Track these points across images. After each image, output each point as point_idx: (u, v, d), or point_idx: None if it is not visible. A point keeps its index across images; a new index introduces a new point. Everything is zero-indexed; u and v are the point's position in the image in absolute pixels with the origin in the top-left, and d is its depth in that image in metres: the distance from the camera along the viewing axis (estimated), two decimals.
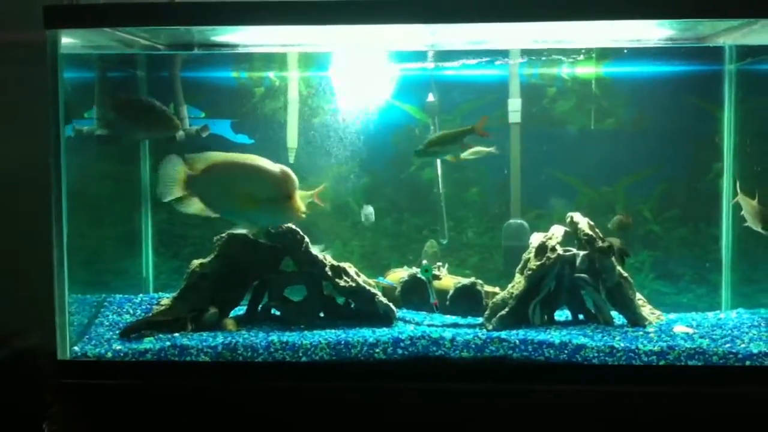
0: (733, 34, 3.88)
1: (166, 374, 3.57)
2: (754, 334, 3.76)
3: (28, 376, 4.04)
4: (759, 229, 3.80)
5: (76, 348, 3.63)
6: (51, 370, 3.60)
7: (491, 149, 4.25)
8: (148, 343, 3.64)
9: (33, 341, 4.13)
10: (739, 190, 4.01)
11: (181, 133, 4.47)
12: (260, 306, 4.10)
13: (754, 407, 3.43)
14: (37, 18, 3.48)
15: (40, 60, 3.52)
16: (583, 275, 3.91)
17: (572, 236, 4.00)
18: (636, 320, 3.89)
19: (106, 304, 4.25)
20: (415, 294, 4.14)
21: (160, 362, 3.58)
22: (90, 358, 3.59)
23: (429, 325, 3.89)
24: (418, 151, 4.08)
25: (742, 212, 3.98)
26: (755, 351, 3.50)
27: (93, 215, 4.15)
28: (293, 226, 3.97)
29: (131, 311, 4.17)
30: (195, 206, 3.83)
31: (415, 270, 4.15)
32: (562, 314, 4.06)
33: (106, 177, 4.43)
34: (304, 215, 3.82)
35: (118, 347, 3.62)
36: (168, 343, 3.62)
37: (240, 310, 4.11)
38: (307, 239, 3.95)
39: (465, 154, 4.20)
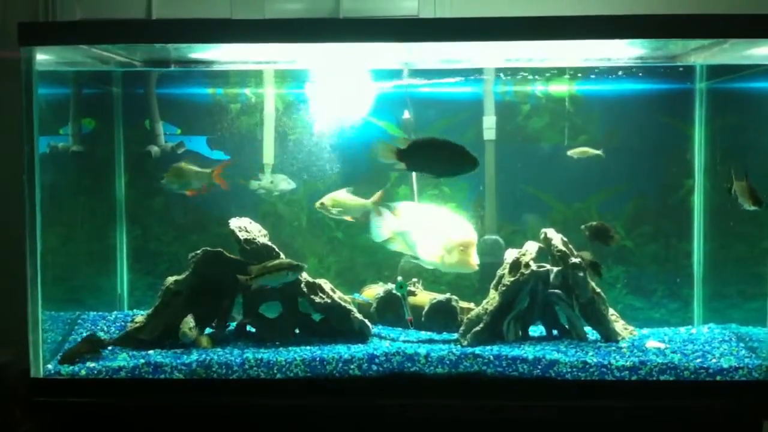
0: (703, 53, 3.95)
1: (140, 392, 3.55)
2: (725, 349, 3.81)
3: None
4: (749, 207, 3.70)
5: (49, 366, 3.60)
6: (23, 388, 3.57)
7: (599, 152, 4.36)
8: (122, 361, 3.63)
9: (4, 358, 4.09)
10: (734, 177, 3.96)
11: (156, 149, 4.48)
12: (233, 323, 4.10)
13: (724, 421, 3.46)
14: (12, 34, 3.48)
15: (14, 76, 3.52)
16: (556, 291, 3.94)
17: (546, 252, 4.03)
18: (609, 335, 3.93)
19: (80, 321, 4.22)
20: (391, 310, 4.16)
21: (135, 380, 3.56)
22: (63, 376, 3.57)
23: (404, 342, 3.90)
24: (160, 180, 4.18)
25: (739, 200, 3.91)
26: (726, 366, 3.55)
27: (67, 231, 4.13)
28: (269, 243, 3.98)
29: (105, 328, 4.15)
30: (399, 244, 4.05)
31: (390, 286, 4.16)
32: (536, 330, 4.09)
33: (81, 193, 4.41)
34: (477, 268, 3.91)
35: (92, 365, 3.60)
36: (142, 361, 3.61)
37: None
38: (282, 256, 3.96)
39: (573, 151, 4.35)
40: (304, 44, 3.64)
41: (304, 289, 3.93)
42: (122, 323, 4.19)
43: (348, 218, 4.11)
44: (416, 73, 4.42)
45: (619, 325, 4.07)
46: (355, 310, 3.98)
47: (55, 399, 3.54)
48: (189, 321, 3.81)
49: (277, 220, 4.58)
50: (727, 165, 4.22)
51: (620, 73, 4.32)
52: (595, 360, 3.57)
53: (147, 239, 4.66)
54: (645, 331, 4.18)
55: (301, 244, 4.57)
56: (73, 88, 4.38)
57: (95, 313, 4.35)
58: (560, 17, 3.51)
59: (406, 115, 4.54)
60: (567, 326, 3.99)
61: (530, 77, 4.47)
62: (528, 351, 3.66)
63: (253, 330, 4.03)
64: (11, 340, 3.77)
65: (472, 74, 4.46)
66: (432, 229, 3.95)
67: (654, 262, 4.57)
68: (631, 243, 4.56)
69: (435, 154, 3.71)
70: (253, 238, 3.97)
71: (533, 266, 3.92)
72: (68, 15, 4.59)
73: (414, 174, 4.50)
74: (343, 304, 3.96)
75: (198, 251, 3.99)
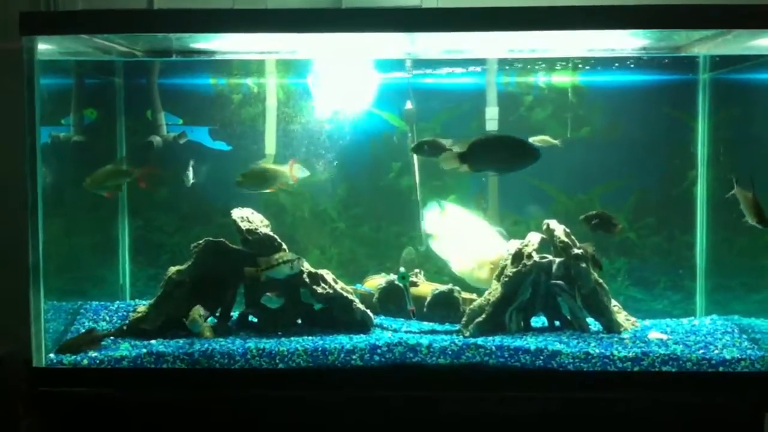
0: (707, 44, 3.93)
1: (142, 381, 3.55)
2: (728, 341, 3.81)
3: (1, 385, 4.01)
4: (752, 222, 3.65)
5: (51, 355, 3.61)
6: (25, 379, 3.57)
7: (557, 142, 4.32)
8: (124, 350, 3.63)
9: (5, 349, 4.09)
10: (735, 184, 3.93)
11: (158, 140, 4.48)
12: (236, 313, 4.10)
13: (726, 413, 3.46)
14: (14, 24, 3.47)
15: (16, 67, 3.51)
16: (559, 282, 3.93)
17: (548, 243, 4.03)
18: (611, 327, 3.93)
19: (82, 311, 4.23)
20: (393, 301, 4.16)
21: (137, 369, 3.57)
22: (66, 366, 3.57)
23: (406, 332, 3.91)
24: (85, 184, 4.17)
25: (741, 208, 3.80)
26: (728, 357, 3.55)
27: (69, 222, 4.13)
28: (271, 233, 3.98)
29: (108, 318, 4.16)
30: (437, 246, 4.14)
31: (392, 277, 4.16)
32: (539, 321, 4.08)
33: (83, 184, 4.41)
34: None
35: (94, 354, 3.60)
36: (144, 350, 3.61)
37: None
38: (285, 246, 3.96)
39: (534, 139, 4.25)
40: (306, 34, 3.62)
41: (307, 280, 3.93)
42: (124, 313, 4.20)
43: (270, 189, 4.14)
44: (419, 63, 4.40)
45: (622, 317, 4.07)
46: (357, 300, 3.98)
47: (56, 388, 3.55)
48: (199, 309, 3.81)
49: (280, 211, 4.58)
50: (730, 157, 4.22)
51: (624, 64, 4.31)
52: (597, 351, 3.57)
53: (149, 230, 4.66)
54: (647, 322, 4.19)
55: (304, 234, 4.57)
56: (74, 78, 4.37)
57: (97, 303, 4.36)
58: (563, 7, 3.50)
59: (409, 105, 4.54)
60: (569, 317, 3.99)
61: (533, 68, 4.46)
62: (530, 342, 3.66)
63: (255, 320, 4.03)
64: (12, 331, 3.77)
65: (475, 65, 4.45)
66: (468, 241, 3.98)
67: (656, 254, 4.57)
68: (634, 234, 4.56)
69: (496, 152, 3.70)
70: (255, 229, 3.97)
71: (536, 257, 3.92)
72: (70, 5, 4.57)
73: (416, 165, 4.50)
74: (345, 294, 3.96)
75: (200, 241, 3.99)
